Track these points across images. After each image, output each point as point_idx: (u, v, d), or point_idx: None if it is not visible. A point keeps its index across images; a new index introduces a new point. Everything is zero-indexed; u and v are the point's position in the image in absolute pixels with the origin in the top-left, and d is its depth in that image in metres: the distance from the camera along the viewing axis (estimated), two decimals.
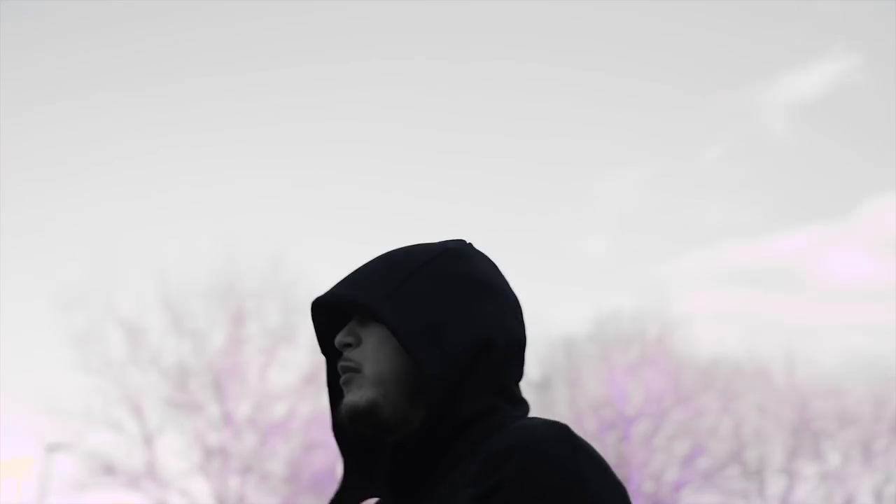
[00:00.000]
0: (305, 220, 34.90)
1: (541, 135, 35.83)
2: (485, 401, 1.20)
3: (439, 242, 1.30)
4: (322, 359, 23.57)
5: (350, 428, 1.25)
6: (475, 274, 1.26)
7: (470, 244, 1.32)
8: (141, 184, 33.50)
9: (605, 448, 24.38)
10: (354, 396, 1.23)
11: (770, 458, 25.92)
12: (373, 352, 1.23)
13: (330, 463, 23.49)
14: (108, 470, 22.53)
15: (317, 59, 34.52)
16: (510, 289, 1.29)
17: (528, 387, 26.53)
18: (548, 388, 25.86)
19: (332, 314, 1.35)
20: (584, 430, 24.25)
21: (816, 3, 33.53)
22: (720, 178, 35.02)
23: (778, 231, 36.47)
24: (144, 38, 32.50)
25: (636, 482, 24.09)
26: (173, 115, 33.83)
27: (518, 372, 1.25)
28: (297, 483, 23.33)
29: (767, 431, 25.80)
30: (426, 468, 1.19)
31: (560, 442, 1.07)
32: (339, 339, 1.26)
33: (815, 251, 35.82)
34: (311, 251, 34.95)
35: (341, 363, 1.26)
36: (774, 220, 35.86)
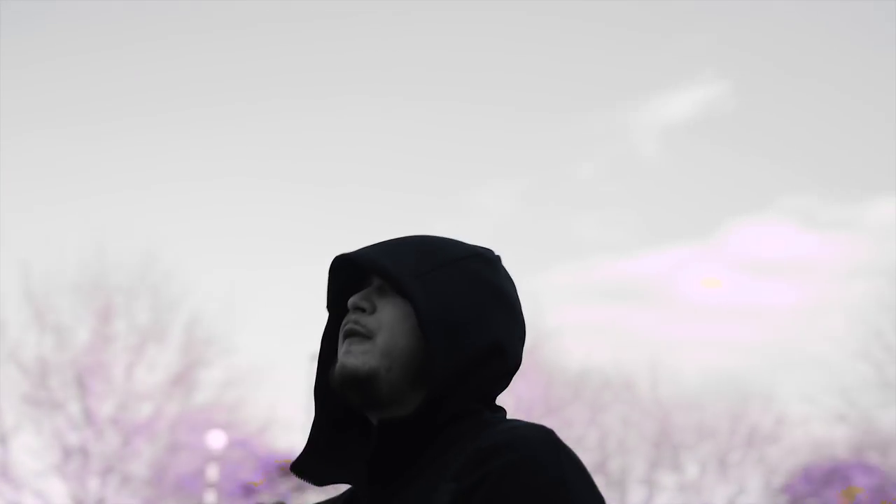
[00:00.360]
0: (178, 218, 34.14)
1: (417, 146, 36.05)
2: (473, 403, 1.20)
3: (472, 245, 1.30)
4: (191, 359, 23.22)
5: (338, 391, 1.21)
6: (500, 285, 1.26)
7: (499, 256, 1.32)
8: (4, 170, 32.16)
9: None
10: (357, 360, 1.20)
11: (632, 468, 26.69)
12: (389, 324, 1.21)
13: (196, 465, 23.02)
14: None
15: (182, 60, 33.93)
16: (522, 311, 1.30)
17: None
18: None
19: (350, 273, 1.31)
20: None
21: (687, 30, 34.81)
22: (592, 195, 35.91)
23: (646, 248, 37.65)
24: (10, 37, 31.30)
25: None
26: (43, 106, 32.65)
27: (504, 388, 1.27)
28: (161, 486, 22.76)
29: (631, 443, 26.56)
30: (409, 457, 1.17)
31: (546, 444, 1.08)
32: (355, 300, 1.23)
33: (681, 269, 37.09)
34: (184, 250, 34.22)
35: (349, 326, 1.23)
36: (643, 238, 37.00)
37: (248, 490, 24.24)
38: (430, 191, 36.33)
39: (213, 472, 23.09)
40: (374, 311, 1.22)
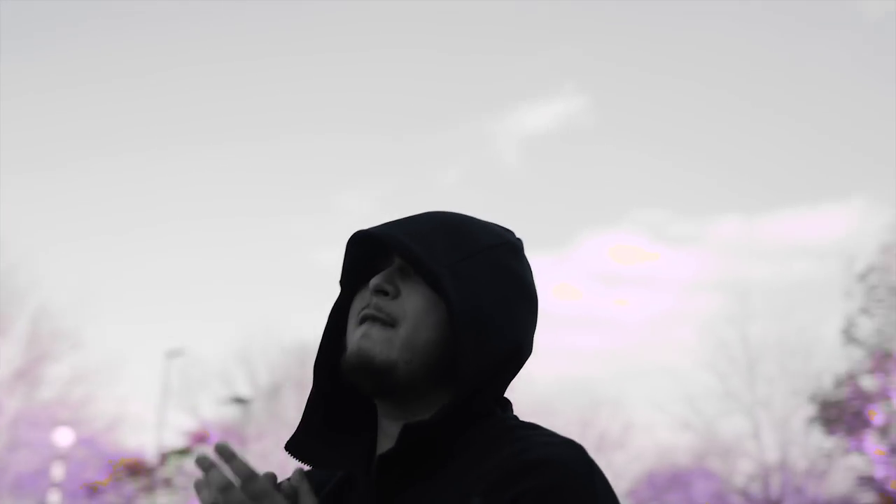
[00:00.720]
0: (27, 208, 32.77)
1: (286, 147, 35.67)
2: (489, 403, 1.16)
3: (498, 227, 1.24)
4: (37, 353, 22.24)
5: (350, 377, 1.14)
6: (525, 277, 1.21)
7: (521, 240, 1.26)
8: None
9: None
10: (375, 347, 1.13)
11: None
12: (413, 314, 1.14)
13: (37, 463, 22.05)
14: None
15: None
16: (538, 299, 1.25)
17: (258, 393, 26.16)
18: (278, 394, 25.62)
19: (367, 248, 1.22)
20: None
21: (550, 46, 35.63)
22: (454, 200, 36.29)
23: None
24: None
25: None
26: None
27: (513, 379, 1.22)
28: None
29: None
30: (428, 460, 1.12)
31: (581, 463, 1.07)
32: (378, 282, 1.15)
33: (536, 278, 37.74)
34: (33, 240, 32.86)
35: (369, 310, 1.15)
36: None
37: (93, 490, 23.37)
38: (296, 191, 35.97)
39: (58, 471, 22.14)
40: (397, 294, 1.15)
